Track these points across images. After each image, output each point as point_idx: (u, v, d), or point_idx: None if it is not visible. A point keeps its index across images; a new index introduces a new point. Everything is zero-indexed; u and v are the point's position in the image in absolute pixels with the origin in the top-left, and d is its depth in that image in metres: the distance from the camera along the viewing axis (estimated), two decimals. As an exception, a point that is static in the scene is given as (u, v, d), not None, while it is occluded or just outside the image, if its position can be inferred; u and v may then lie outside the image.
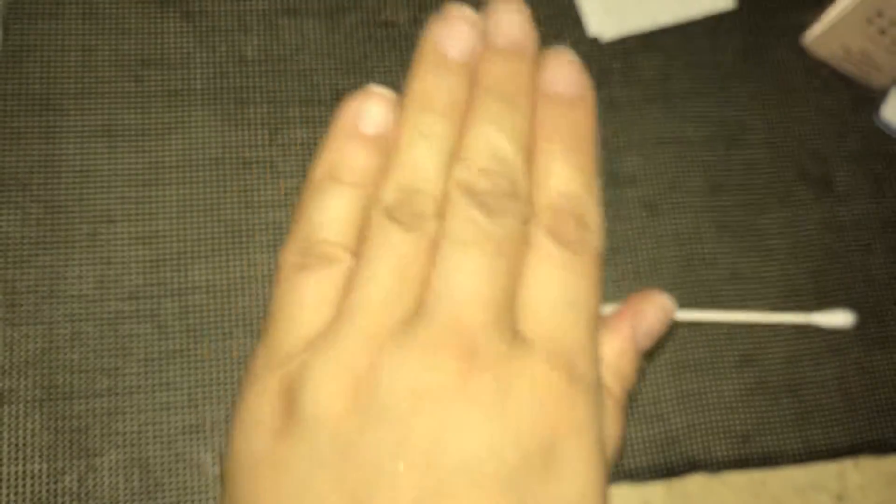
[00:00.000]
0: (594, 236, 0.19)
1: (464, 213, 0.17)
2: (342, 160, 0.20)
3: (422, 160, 0.18)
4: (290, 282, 0.19)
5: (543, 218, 0.18)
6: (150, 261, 0.31)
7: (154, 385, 0.29)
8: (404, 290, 0.17)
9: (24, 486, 0.28)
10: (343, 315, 0.17)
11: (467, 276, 0.16)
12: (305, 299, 0.18)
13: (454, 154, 0.18)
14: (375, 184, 0.19)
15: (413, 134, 0.19)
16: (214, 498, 0.29)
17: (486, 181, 0.17)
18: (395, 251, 0.17)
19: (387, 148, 0.19)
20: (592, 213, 0.19)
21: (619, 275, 0.33)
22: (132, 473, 0.28)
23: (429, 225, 0.17)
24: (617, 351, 0.20)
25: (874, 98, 0.39)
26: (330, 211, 0.19)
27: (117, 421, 0.29)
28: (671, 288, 0.34)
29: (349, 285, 0.17)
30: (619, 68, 0.37)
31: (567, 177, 0.19)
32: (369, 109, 0.20)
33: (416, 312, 0.16)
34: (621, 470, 0.31)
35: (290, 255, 0.19)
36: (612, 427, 0.18)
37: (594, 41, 0.37)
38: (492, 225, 0.17)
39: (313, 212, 0.19)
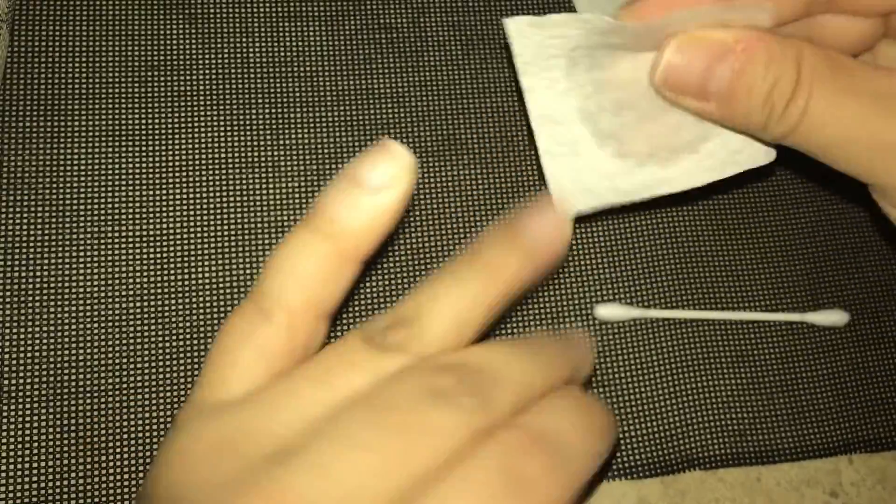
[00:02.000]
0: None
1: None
2: (333, 211, 0.20)
3: None
4: (232, 333, 0.20)
5: None
6: (156, 261, 0.31)
7: (159, 383, 0.30)
8: None
9: (30, 482, 0.28)
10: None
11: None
12: (244, 356, 0.20)
13: None
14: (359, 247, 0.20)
15: None
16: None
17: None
18: None
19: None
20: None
21: (616, 274, 0.34)
22: (138, 470, 0.29)
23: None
24: None
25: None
26: (298, 267, 0.20)
27: (123, 418, 0.29)
28: (667, 287, 0.34)
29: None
30: (617, 71, 0.37)
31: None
32: (379, 165, 0.20)
33: None
34: (618, 466, 0.31)
35: (245, 304, 0.20)
36: None
37: (592, 44, 0.37)
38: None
39: (284, 262, 0.20)
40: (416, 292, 0.20)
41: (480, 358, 0.19)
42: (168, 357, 0.30)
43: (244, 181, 0.33)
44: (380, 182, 0.19)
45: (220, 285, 0.31)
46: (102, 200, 0.32)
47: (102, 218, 0.31)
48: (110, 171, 0.32)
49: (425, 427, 0.17)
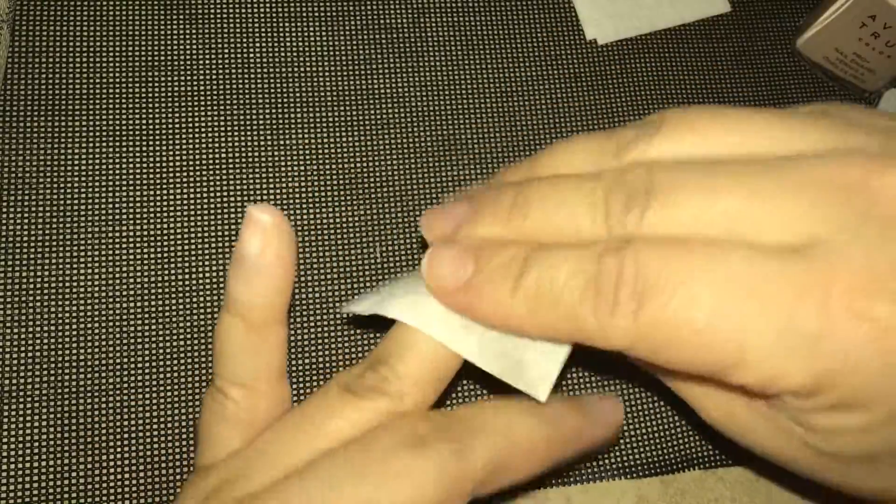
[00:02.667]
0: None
1: None
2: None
3: None
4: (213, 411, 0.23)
5: None
6: (157, 261, 0.31)
7: (159, 383, 0.30)
8: None
9: (31, 482, 0.28)
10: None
11: None
12: (219, 430, 0.22)
13: None
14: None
15: None
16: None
17: None
18: None
19: None
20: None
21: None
22: (138, 470, 0.29)
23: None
24: None
25: (868, 101, 0.39)
26: (228, 349, 0.23)
27: (123, 418, 0.29)
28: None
29: None
30: (616, 71, 0.37)
31: None
32: (249, 237, 0.22)
33: None
34: (618, 465, 0.31)
35: (210, 384, 0.24)
36: None
37: (591, 44, 0.37)
38: None
39: (219, 346, 0.23)
40: (390, 334, 0.21)
41: (467, 409, 0.21)
42: (168, 357, 0.30)
43: (244, 181, 0.33)
44: (256, 250, 0.21)
45: (220, 285, 0.31)
46: (103, 200, 0.32)
47: (102, 218, 0.31)
48: (111, 171, 0.32)
49: (401, 472, 0.18)
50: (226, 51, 0.34)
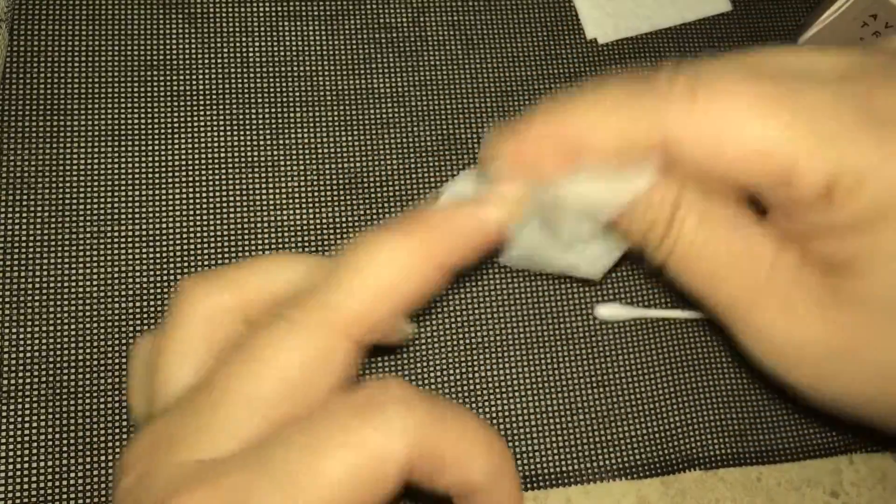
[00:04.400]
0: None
1: None
2: None
3: None
4: None
5: None
6: (155, 261, 0.31)
7: (159, 383, 0.30)
8: None
9: (30, 482, 0.28)
10: None
11: None
12: None
13: None
14: None
15: None
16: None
17: None
18: None
19: None
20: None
21: (616, 274, 0.34)
22: (137, 470, 0.29)
23: None
24: None
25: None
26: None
27: (123, 418, 0.29)
28: (666, 287, 0.34)
29: None
30: (617, 70, 0.37)
31: None
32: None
33: None
34: (618, 466, 0.31)
35: None
36: None
37: (592, 44, 0.37)
38: None
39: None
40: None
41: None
42: (168, 357, 0.30)
43: (244, 181, 0.33)
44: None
45: (220, 285, 0.31)
46: (102, 200, 0.32)
47: (102, 218, 0.31)
48: (110, 171, 0.32)
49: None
50: (225, 50, 0.34)
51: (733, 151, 0.19)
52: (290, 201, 0.33)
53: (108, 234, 0.31)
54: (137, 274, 0.31)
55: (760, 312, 0.21)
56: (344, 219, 0.33)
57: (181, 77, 0.33)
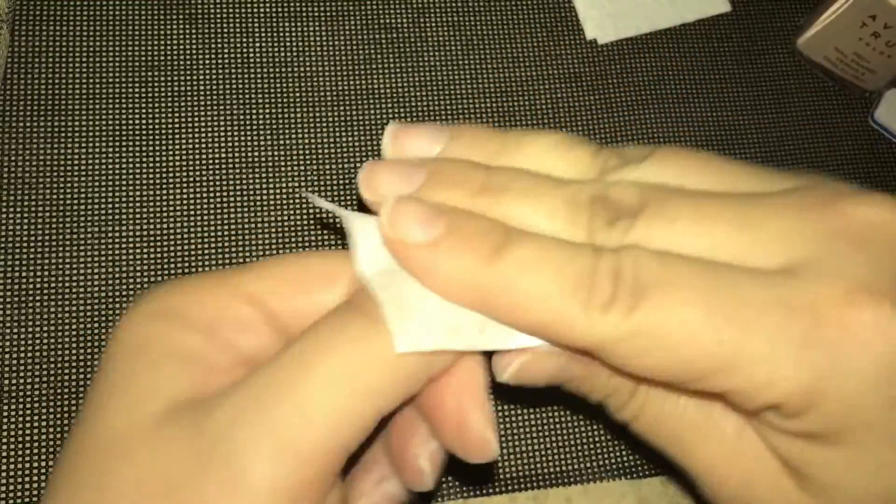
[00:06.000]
0: None
1: None
2: None
3: None
4: None
5: None
6: (156, 260, 0.31)
7: (159, 382, 0.30)
8: None
9: (30, 483, 0.28)
10: None
11: None
12: None
13: None
14: None
15: None
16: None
17: None
18: None
19: None
20: None
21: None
22: (138, 469, 0.29)
23: None
24: None
25: (867, 100, 0.39)
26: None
27: (123, 418, 0.29)
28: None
29: None
30: (616, 71, 0.37)
31: None
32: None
33: None
34: (618, 466, 0.31)
35: None
36: None
37: (591, 44, 0.37)
38: None
39: None
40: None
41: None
42: (168, 357, 0.30)
43: (244, 181, 0.33)
44: None
45: (221, 285, 0.31)
46: (103, 200, 0.32)
47: (103, 218, 0.31)
48: (110, 171, 0.32)
49: None
50: (225, 50, 0.34)
51: (671, 374, 0.18)
52: (290, 201, 0.33)
53: (109, 234, 0.31)
54: (138, 274, 0.31)
55: (725, 485, 0.20)
56: (344, 219, 0.33)
57: (182, 77, 0.33)
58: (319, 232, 0.33)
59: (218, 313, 0.19)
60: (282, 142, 0.33)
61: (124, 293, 0.31)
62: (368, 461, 0.22)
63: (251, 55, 0.34)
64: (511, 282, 0.17)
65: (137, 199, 0.32)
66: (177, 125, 0.33)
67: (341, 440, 0.17)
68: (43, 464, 0.28)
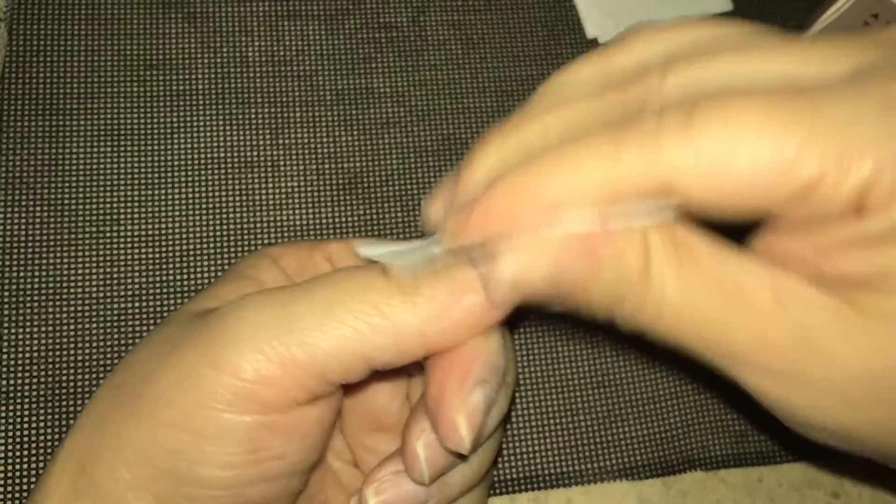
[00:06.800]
0: None
1: None
2: None
3: None
4: None
5: None
6: (154, 260, 0.31)
7: (158, 383, 0.30)
8: None
9: (29, 483, 0.28)
10: None
11: None
12: None
13: None
14: None
15: None
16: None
17: None
18: None
19: None
20: None
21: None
22: (136, 470, 0.29)
23: None
24: None
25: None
26: None
27: (122, 419, 0.29)
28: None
29: None
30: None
31: None
32: None
33: None
34: (619, 467, 0.31)
35: None
36: None
37: (592, 43, 0.37)
38: None
39: None
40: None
41: None
42: (167, 357, 0.30)
43: (243, 181, 0.33)
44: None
45: (220, 285, 0.31)
46: (101, 200, 0.31)
47: (101, 218, 0.31)
48: (109, 171, 0.32)
49: None
50: (224, 49, 0.34)
51: (744, 175, 0.16)
52: (290, 201, 0.33)
53: (108, 234, 0.31)
54: (137, 274, 0.31)
55: (772, 354, 0.18)
56: (344, 219, 0.33)
57: (180, 76, 0.33)
58: (319, 232, 0.32)
59: (302, 263, 0.24)
60: (281, 141, 0.33)
61: (122, 293, 0.30)
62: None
63: (250, 54, 0.34)
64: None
65: (136, 198, 0.32)
66: (175, 124, 0.33)
67: (318, 365, 0.19)
68: (42, 465, 0.28)
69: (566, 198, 0.18)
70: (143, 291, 0.31)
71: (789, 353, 0.18)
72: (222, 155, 0.33)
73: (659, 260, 0.18)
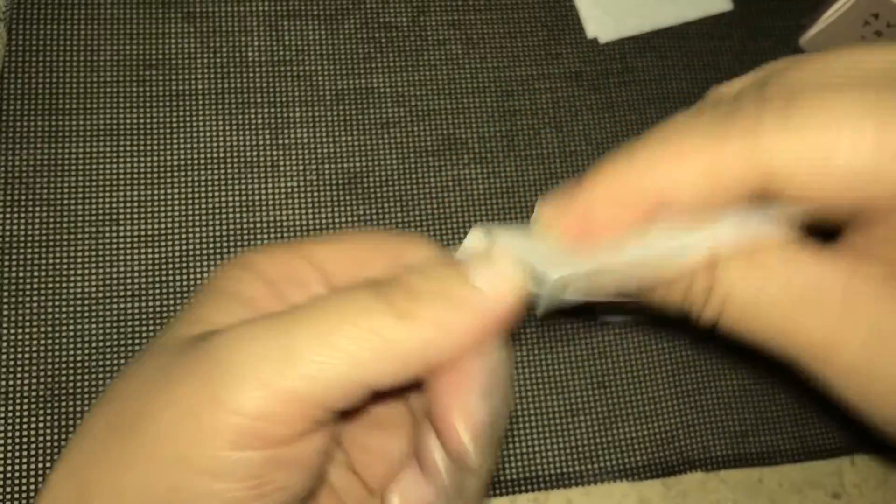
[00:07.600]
0: None
1: None
2: None
3: None
4: None
5: None
6: (154, 261, 0.31)
7: (157, 383, 0.30)
8: None
9: (28, 484, 0.28)
10: None
11: None
12: None
13: None
14: None
15: None
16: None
17: None
18: None
19: None
20: None
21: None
22: (136, 471, 0.29)
23: None
24: None
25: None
26: None
27: (121, 419, 0.29)
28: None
29: None
30: (617, 70, 0.37)
31: None
32: None
33: None
34: (619, 468, 0.31)
35: None
36: None
37: (593, 42, 0.37)
38: None
39: None
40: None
41: None
42: (166, 358, 0.30)
43: (243, 181, 0.33)
44: None
45: (219, 285, 0.31)
46: (100, 200, 0.31)
47: (100, 217, 0.31)
48: (108, 171, 0.32)
49: None
50: (224, 49, 0.34)
51: (846, 167, 0.17)
52: (290, 201, 0.33)
53: (107, 234, 0.31)
54: (136, 274, 0.31)
55: (844, 350, 0.18)
56: (344, 219, 0.33)
57: (180, 76, 0.33)
58: (319, 232, 0.32)
59: (283, 270, 0.22)
60: (281, 141, 0.33)
61: (121, 293, 0.30)
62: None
63: (250, 54, 0.34)
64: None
65: (135, 198, 0.32)
66: (175, 124, 0.33)
67: (320, 396, 0.18)
68: (41, 465, 0.28)
69: (669, 186, 0.18)
70: (143, 291, 0.31)
71: (861, 350, 0.18)
72: (222, 155, 0.33)
73: (724, 264, 0.19)
